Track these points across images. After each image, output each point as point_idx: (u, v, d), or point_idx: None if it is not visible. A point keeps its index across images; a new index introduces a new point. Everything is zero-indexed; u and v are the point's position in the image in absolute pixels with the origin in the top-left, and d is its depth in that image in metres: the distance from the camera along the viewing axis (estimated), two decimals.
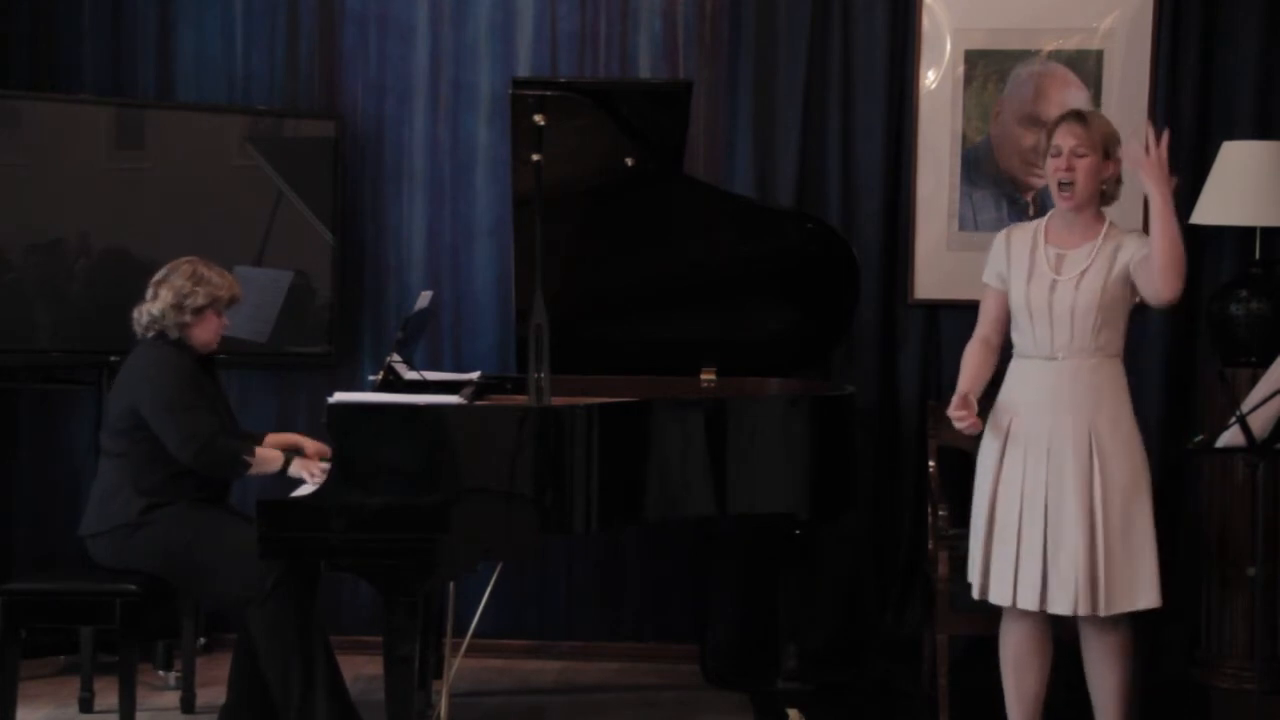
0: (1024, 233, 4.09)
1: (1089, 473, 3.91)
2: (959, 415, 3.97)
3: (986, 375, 4.11)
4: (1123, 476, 3.93)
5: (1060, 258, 3.98)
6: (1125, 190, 5.05)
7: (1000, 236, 4.14)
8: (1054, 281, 3.96)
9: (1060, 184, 3.96)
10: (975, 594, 4.06)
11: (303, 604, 4.17)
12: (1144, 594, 3.94)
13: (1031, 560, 3.93)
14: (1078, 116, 4.02)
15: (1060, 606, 3.92)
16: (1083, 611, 3.89)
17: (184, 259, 4.43)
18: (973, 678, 4.75)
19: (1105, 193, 4.01)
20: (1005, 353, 4.14)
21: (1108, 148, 3.97)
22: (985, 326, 4.15)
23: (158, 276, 4.41)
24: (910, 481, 5.26)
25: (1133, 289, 3.96)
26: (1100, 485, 3.90)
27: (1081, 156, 3.94)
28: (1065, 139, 3.96)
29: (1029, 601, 3.94)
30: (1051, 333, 3.95)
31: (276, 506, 3.96)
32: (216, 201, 5.17)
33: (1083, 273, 3.94)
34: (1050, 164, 3.99)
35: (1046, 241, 4.02)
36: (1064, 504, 3.91)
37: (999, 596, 4.00)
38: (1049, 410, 3.95)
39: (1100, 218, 4.01)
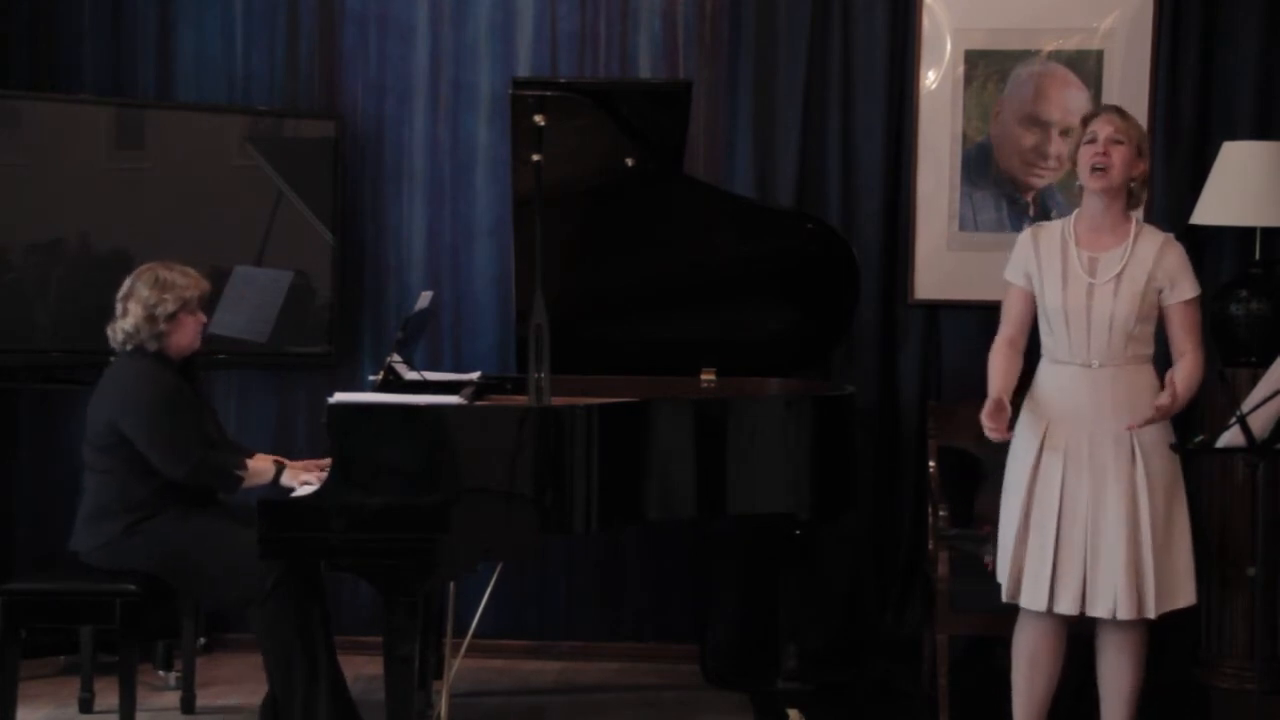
0: (1051, 233, 4.06)
1: (1131, 475, 3.91)
2: (992, 425, 3.89)
3: (1016, 378, 4.07)
4: (1163, 475, 3.94)
5: (1093, 261, 3.97)
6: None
7: (1026, 235, 4.11)
8: (1090, 286, 3.94)
9: (1094, 168, 3.94)
10: (1004, 597, 4.04)
11: (303, 603, 4.17)
12: (1183, 593, 3.96)
13: (1073, 566, 3.92)
14: (1117, 110, 4.05)
15: (1102, 610, 3.91)
16: (1125, 615, 3.89)
17: (143, 266, 4.36)
18: (973, 678, 4.76)
19: (1132, 191, 4.01)
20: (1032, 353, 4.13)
21: (1140, 145, 3.99)
22: (1010, 327, 4.11)
23: (122, 291, 4.33)
24: (910, 481, 5.26)
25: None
26: (1145, 485, 3.90)
27: (1118, 144, 3.94)
28: (1103, 127, 3.96)
29: (1068, 606, 3.93)
30: (1089, 339, 3.93)
31: (277, 507, 3.95)
32: (216, 201, 5.17)
33: (1119, 276, 3.93)
34: (1084, 151, 3.97)
35: (1077, 244, 4.00)
36: (1104, 509, 3.90)
37: (1033, 601, 3.97)
38: (1089, 417, 3.93)
39: (1128, 217, 4.01)
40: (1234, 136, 4.94)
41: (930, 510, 4.83)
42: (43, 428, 5.48)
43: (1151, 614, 3.90)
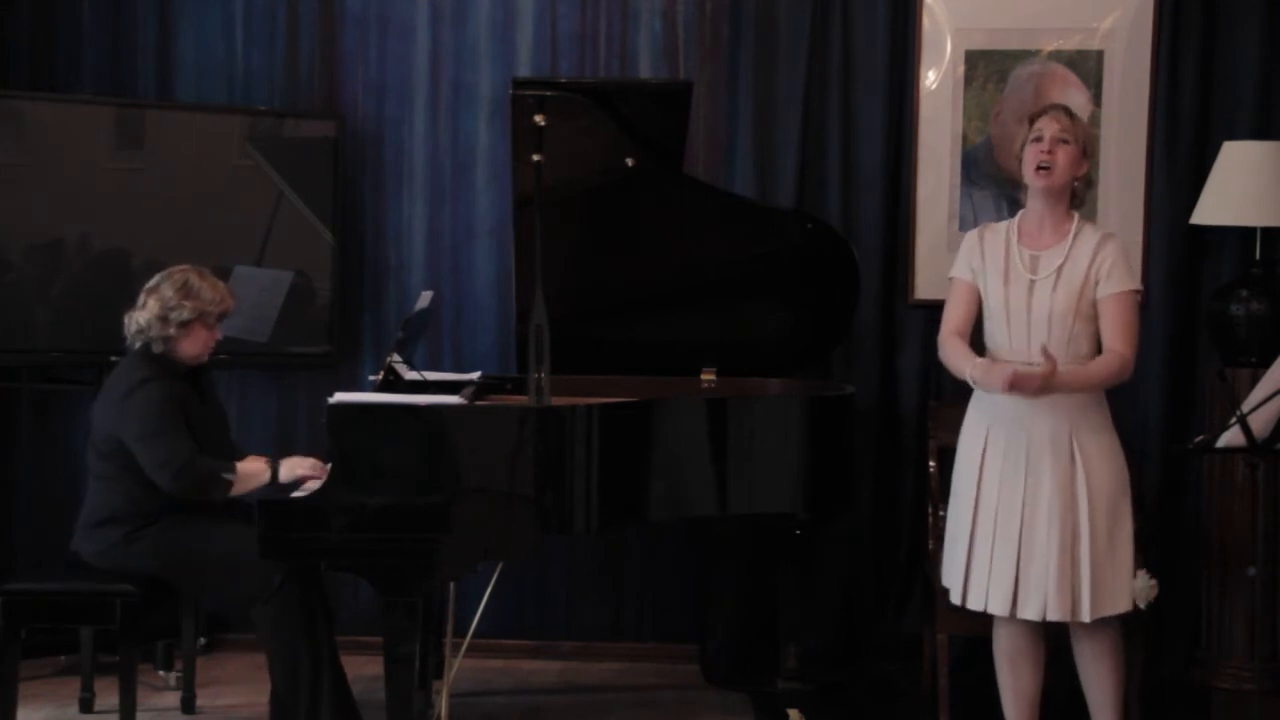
0: (996, 232, 4.08)
1: (1071, 479, 3.91)
2: (999, 377, 3.80)
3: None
4: (1107, 481, 3.93)
5: (1035, 259, 3.98)
6: (1124, 191, 5.06)
7: (972, 234, 4.12)
8: (1031, 283, 3.95)
9: (1039, 166, 3.95)
10: (955, 599, 4.07)
11: (308, 601, 4.17)
12: (1121, 600, 3.96)
13: (1005, 566, 3.94)
14: (1064, 109, 4.04)
15: (1031, 612, 3.92)
16: (1056, 617, 3.90)
17: (179, 268, 4.34)
18: (973, 677, 4.75)
19: (1075, 191, 4.01)
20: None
21: (1086, 145, 3.99)
22: (957, 320, 4.06)
23: (150, 284, 4.31)
24: (910, 481, 5.25)
25: None
26: (1086, 490, 3.90)
27: (1065, 143, 3.94)
28: (1050, 125, 3.96)
29: (1000, 607, 3.95)
30: (1029, 336, 3.93)
31: (277, 507, 3.96)
32: (216, 201, 5.17)
33: (1059, 270, 3.93)
34: (1030, 149, 3.97)
35: (1019, 242, 4.02)
36: (1038, 511, 3.91)
37: (975, 601, 4.01)
38: (1028, 417, 3.93)
39: (1069, 215, 4.02)
40: (1234, 136, 4.94)
41: (930, 510, 4.83)
42: (43, 428, 5.48)
43: (1085, 618, 3.89)
